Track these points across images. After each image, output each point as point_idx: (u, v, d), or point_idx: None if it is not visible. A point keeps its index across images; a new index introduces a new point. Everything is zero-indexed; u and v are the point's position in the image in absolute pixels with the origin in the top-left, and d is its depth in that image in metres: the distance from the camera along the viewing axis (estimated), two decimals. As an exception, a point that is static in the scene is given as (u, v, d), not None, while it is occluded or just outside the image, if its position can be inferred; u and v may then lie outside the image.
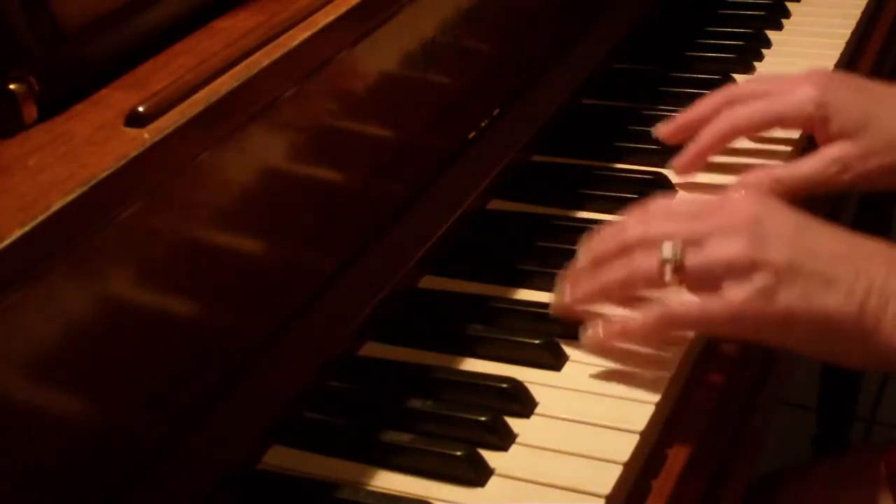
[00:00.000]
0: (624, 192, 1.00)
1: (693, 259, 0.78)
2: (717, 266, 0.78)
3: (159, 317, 0.70)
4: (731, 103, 1.01)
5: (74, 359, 0.64)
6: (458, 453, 0.74)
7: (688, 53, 1.24)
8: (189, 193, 0.71)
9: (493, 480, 0.74)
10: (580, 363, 0.82)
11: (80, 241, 0.63)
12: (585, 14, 1.20)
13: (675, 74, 1.20)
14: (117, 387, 0.67)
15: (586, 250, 0.86)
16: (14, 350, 0.60)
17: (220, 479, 0.73)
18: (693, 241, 0.79)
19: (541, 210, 1.01)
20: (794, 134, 1.03)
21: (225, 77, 0.73)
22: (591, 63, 1.19)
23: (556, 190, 1.03)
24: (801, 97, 0.97)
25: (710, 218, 0.80)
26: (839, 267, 0.77)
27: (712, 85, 1.15)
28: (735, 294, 0.77)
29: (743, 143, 1.03)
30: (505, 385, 0.79)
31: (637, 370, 0.81)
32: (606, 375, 0.81)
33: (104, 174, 0.64)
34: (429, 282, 0.92)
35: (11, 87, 0.67)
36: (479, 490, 0.73)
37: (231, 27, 0.79)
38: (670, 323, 0.79)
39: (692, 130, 1.03)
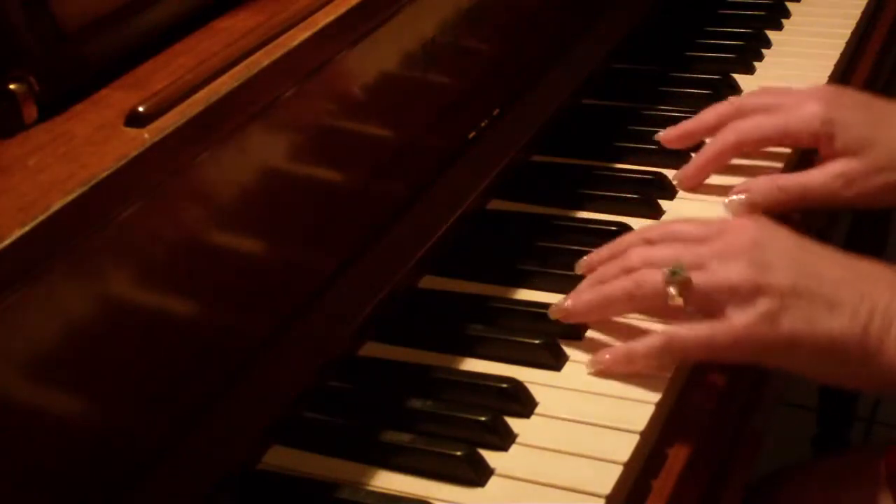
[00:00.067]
0: (624, 192, 1.00)
1: (697, 280, 0.79)
2: (721, 289, 0.78)
3: (159, 317, 0.70)
4: (736, 115, 1.01)
5: (74, 359, 0.64)
6: (458, 453, 0.74)
7: (688, 53, 1.24)
8: (189, 193, 0.71)
9: (493, 480, 0.74)
10: (580, 363, 0.82)
11: (80, 241, 0.63)
12: (585, 14, 1.20)
13: (675, 74, 1.20)
14: (117, 387, 0.67)
15: (587, 271, 0.87)
16: (14, 350, 0.60)
17: (220, 479, 0.73)
18: (696, 265, 0.80)
19: (541, 210, 1.01)
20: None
21: (225, 77, 0.73)
22: (591, 63, 1.19)
23: (556, 190, 1.03)
24: (808, 113, 0.97)
25: (712, 242, 0.81)
26: (842, 290, 0.77)
27: (712, 85, 1.16)
28: (739, 319, 0.77)
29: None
30: (505, 385, 0.79)
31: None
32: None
33: (104, 174, 0.64)
34: (429, 282, 0.92)
35: (11, 87, 0.67)
36: (479, 490, 0.73)
37: (231, 27, 0.79)
38: (675, 348, 0.79)
39: (696, 138, 1.04)
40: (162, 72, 0.74)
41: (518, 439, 0.76)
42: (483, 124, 1.02)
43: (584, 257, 0.89)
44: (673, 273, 0.79)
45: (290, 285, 0.80)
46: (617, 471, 0.73)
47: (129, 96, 0.70)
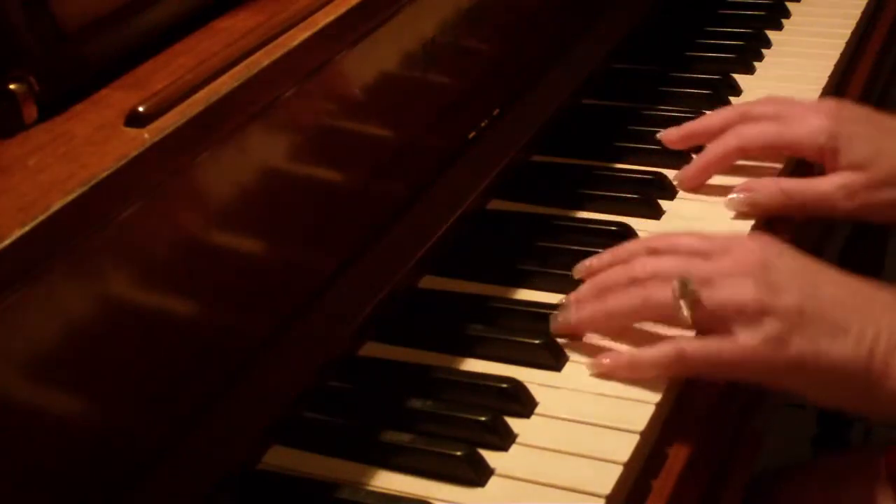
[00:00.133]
0: (624, 192, 1.00)
1: (706, 297, 0.79)
2: (729, 308, 0.78)
3: (159, 317, 0.70)
4: (741, 121, 1.01)
5: (74, 359, 0.64)
6: (458, 453, 0.74)
7: (688, 53, 1.24)
8: (189, 193, 0.71)
9: (493, 480, 0.74)
10: (580, 363, 0.82)
11: (80, 241, 0.63)
12: (585, 14, 1.20)
13: (675, 74, 1.20)
14: (117, 387, 0.67)
15: (590, 278, 0.86)
16: (14, 350, 0.60)
17: (220, 479, 0.73)
18: (703, 280, 0.80)
19: (541, 210, 1.01)
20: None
21: (225, 77, 0.73)
22: (591, 63, 1.19)
23: (556, 190, 1.03)
24: (813, 127, 0.97)
25: (719, 259, 0.81)
26: (848, 315, 0.78)
27: (712, 85, 1.16)
28: (746, 339, 0.77)
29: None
30: (505, 385, 0.79)
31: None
32: (606, 375, 0.81)
33: (104, 174, 0.64)
34: (429, 282, 0.92)
35: (11, 87, 0.67)
36: (479, 490, 0.73)
37: (231, 27, 0.79)
38: (682, 363, 0.79)
39: (698, 140, 1.04)
40: (162, 72, 0.74)
41: (518, 439, 0.76)
42: (483, 124, 1.02)
43: (583, 262, 0.88)
44: (683, 287, 0.79)
45: (290, 285, 0.80)
46: (617, 471, 0.73)
47: (129, 96, 0.70)
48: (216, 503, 0.72)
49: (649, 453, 0.77)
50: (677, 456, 0.77)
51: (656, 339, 0.82)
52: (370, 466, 0.75)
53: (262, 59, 0.75)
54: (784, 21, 1.30)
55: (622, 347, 0.82)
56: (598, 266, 0.87)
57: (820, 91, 1.14)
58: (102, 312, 0.66)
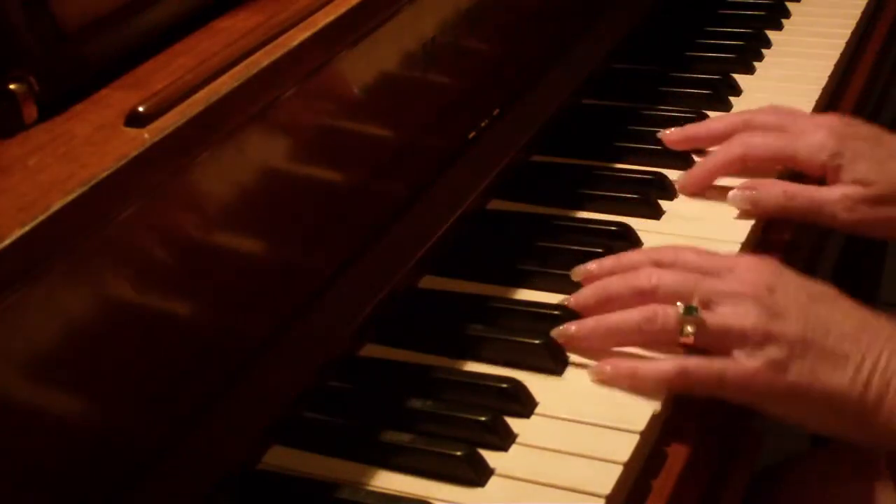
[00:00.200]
0: (624, 192, 1.00)
1: (710, 320, 0.79)
2: (732, 333, 0.79)
3: (159, 317, 0.70)
4: (744, 128, 1.01)
5: (74, 359, 0.64)
6: (458, 453, 0.74)
7: (688, 53, 1.24)
8: (189, 193, 0.71)
9: (493, 480, 0.74)
10: (581, 366, 0.82)
11: (80, 241, 0.63)
12: (585, 14, 1.20)
13: (675, 74, 1.20)
14: (117, 387, 0.67)
15: (589, 282, 0.86)
16: (14, 350, 0.60)
17: (220, 479, 0.73)
18: (707, 300, 0.80)
19: (541, 210, 1.01)
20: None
21: (225, 77, 0.73)
22: (591, 63, 1.19)
23: (556, 190, 1.03)
24: (817, 143, 0.97)
25: (724, 278, 0.82)
26: (848, 345, 0.78)
27: (712, 85, 1.16)
28: (749, 362, 0.78)
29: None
30: (505, 385, 0.79)
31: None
32: (606, 375, 0.81)
33: (104, 174, 0.64)
34: (429, 282, 0.92)
35: (11, 87, 0.67)
36: (479, 490, 0.73)
37: (231, 27, 0.79)
38: (683, 379, 0.79)
39: (699, 143, 1.04)
40: (162, 72, 0.74)
41: (518, 439, 0.76)
42: (483, 124, 1.02)
43: (583, 265, 0.88)
44: (688, 311, 0.79)
45: (290, 285, 0.80)
46: (617, 471, 0.73)
47: (129, 96, 0.70)
48: (216, 503, 0.72)
49: (649, 453, 0.77)
50: (677, 456, 0.77)
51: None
52: (370, 466, 0.75)
53: (262, 59, 0.75)
54: (784, 21, 1.30)
55: (623, 357, 0.82)
56: (599, 271, 0.87)
57: (820, 91, 1.14)
58: (102, 312, 0.66)
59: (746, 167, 1.00)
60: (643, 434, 0.76)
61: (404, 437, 0.76)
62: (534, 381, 0.80)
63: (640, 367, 0.79)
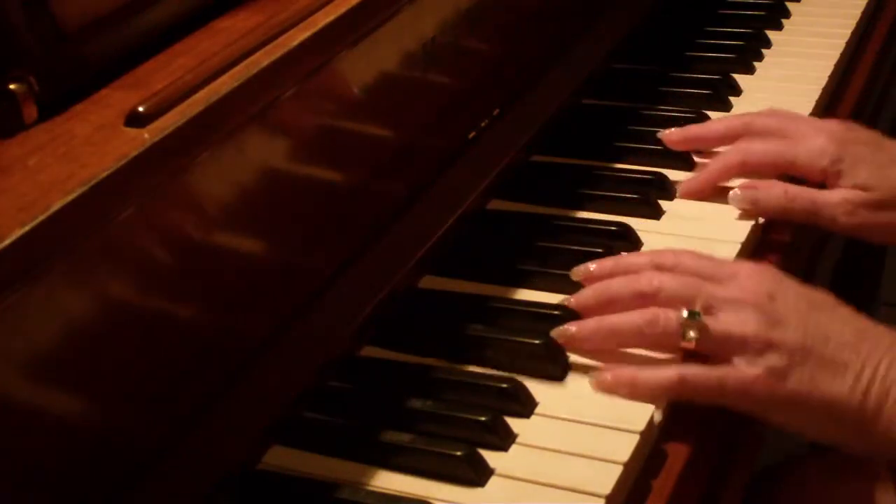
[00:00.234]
0: (624, 192, 1.00)
1: (712, 326, 0.79)
2: (733, 340, 0.79)
3: (159, 317, 0.70)
4: (744, 132, 1.01)
5: (74, 359, 0.64)
6: (458, 453, 0.74)
7: (688, 53, 1.24)
8: (189, 193, 0.71)
9: (493, 480, 0.74)
10: (580, 364, 0.82)
11: (80, 241, 0.63)
12: (585, 14, 1.20)
13: (675, 74, 1.20)
14: (117, 387, 0.67)
15: (589, 283, 0.86)
16: (14, 350, 0.60)
17: (220, 479, 0.73)
18: (708, 306, 0.80)
19: (541, 210, 1.01)
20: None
21: (225, 77, 0.73)
22: (591, 63, 1.19)
23: (556, 190, 1.03)
24: (817, 149, 0.97)
25: (725, 285, 0.82)
26: (848, 354, 0.78)
27: (712, 85, 1.16)
28: (749, 369, 0.78)
29: None
30: (505, 385, 0.79)
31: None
32: (606, 375, 0.81)
33: (104, 174, 0.64)
34: (429, 282, 0.92)
35: (11, 87, 0.67)
36: (479, 490, 0.73)
37: (231, 27, 0.79)
38: (686, 388, 0.79)
39: (699, 145, 1.05)
40: (162, 72, 0.74)
41: (518, 439, 0.76)
42: (483, 124, 1.02)
43: (583, 265, 0.88)
44: (691, 316, 0.80)
45: (290, 285, 0.80)
46: (617, 471, 0.73)
47: (129, 96, 0.70)
48: (216, 503, 0.72)
49: (649, 453, 0.77)
50: (677, 456, 0.77)
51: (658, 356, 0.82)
52: (370, 466, 0.75)
53: (262, 59, 0.75)
54: (784, 21, 1.30)
55: (623, 364, 0.82)
56: (599, 272, 0.87)
57: (820, 91, 1.14)
58: (102, 312, 0.66)
59: (747, 172, 1.00)
60: (643, 434, 0.76)
61: (404, 437, 0.76)
62: (534, 381, 0.80)
63: (639, 375, 0.79)
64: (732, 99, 1.15)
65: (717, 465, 0.81)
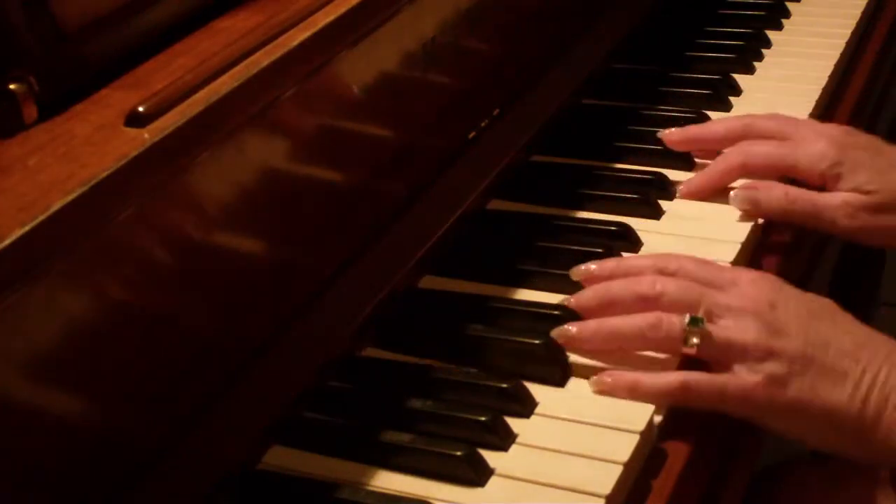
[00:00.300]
0: (624, 192, 1.00)
1: (715, 333, 0.80)
2: (734, 347, 0.79)
3: (159, 317, 0.70)
4: (744, 134, 1.01)
5: (74, 359, 0.64)
6: (458, 453, 0.74)
7: (688, 53, 1.24)
8: (189, 193, 0.71)
9: (493, 480, 0.74)
10: (579, 364, 0.82)
11: (80, 241, 0.63)
12: (585, 14, 1.20)
13: (675, 74, 1.20)
14: (117, 387, 0.67)
15: (589, 283, 0.86)
16: (14, 350, 0.60)
17: (220, 479, 0.73)
18: (710, 313, 0.81)
19: (541, 210, 1.01)
20: None
21: (225, 77, 0.73)
22: (591, 63, 1.19)
23: (556, 190, 1.03)
24: (817, 152, 0.97)
25: (727, 291, 0.82)
26: (848, 362, 0.79)
27: (712, 85, 1.16)
28: (749, 377, 0.78)
29: None
30: (505, 385, 0.79)
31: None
32: (606, 375, 0.81)
33: (104, 174, 0.64)
34: (429, 282, 0.92)
35: (11, 87, 0.67)
36: (479, 490, 0.73)
37: (231, 27, 0.79)
38: (685, 393, 0.79)
39: (700, 145, 1.05)
40: (162, 72, 0.74)
41: (518, 439, 0.76)
42: (483, 124, 1.02)
43: (583, 265, 0.88)
44: (694, 322, 0.80)
45: (290, 285, 0.80)
46: (617, 471, 0.73)
47: (129, 96, 0.70)
48: (216, 503, 0.72)
49: (649, 453, 0.77)
50: (677, 456, 0.77)
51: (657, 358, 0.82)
52: (370, 466, 0.75)
53: (262, 59, 0.75)
54: (784, 21, 1.30)
55: (623, 368, 0.82)
56: (599, 273, 0.87)
57: (820, 91, 1.14)
58: (102, 312, 0.66)
59: (747, 175, 1.00)
60: (643, 434, 0.76)
61: (404, 437, 0.76)
62: (534, 382, 0.80)
63: (641, 379, 0.79)
64: (732, 99, 1.15)
65: (717, 466, 0.81)
